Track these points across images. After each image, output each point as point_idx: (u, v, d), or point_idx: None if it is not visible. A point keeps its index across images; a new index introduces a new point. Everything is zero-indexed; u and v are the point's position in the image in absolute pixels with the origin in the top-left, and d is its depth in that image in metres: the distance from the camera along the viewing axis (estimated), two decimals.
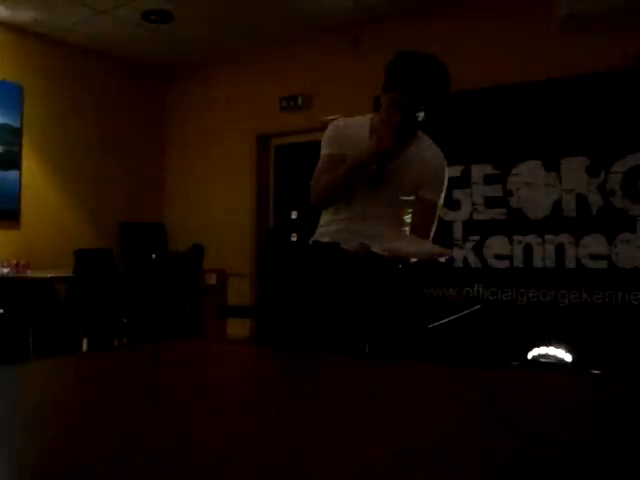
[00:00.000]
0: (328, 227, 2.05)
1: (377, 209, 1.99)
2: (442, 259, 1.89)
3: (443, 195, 2.06)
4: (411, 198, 2.02)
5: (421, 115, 1.95)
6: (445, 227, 4.34)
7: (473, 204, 4.38)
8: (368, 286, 1.97)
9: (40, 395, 0.98)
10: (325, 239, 2.04)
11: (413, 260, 1.99)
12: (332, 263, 2.00)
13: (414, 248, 1.91)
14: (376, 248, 1.81)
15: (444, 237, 4.23)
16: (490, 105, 4.34)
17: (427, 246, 1.96)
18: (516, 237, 4.20)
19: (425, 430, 0.76)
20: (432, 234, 2.05)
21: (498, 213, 4.28)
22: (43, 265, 4.80)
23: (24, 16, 4.80)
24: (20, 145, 5.05)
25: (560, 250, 4.04)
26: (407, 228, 2.06)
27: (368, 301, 1.97)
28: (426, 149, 2.06)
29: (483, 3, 4.47)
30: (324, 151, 2.05)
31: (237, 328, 5.35)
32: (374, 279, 1.97)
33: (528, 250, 4.15)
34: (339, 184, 1.97)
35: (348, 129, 2.05)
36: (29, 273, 4.56)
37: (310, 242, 2.11)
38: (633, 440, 0.72)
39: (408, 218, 2.04)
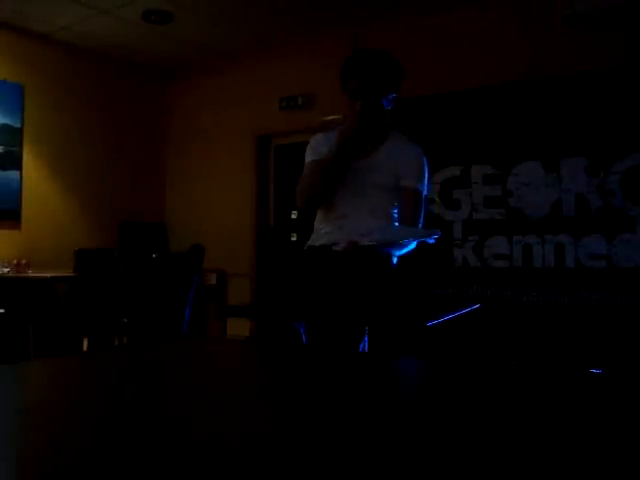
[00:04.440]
0: (321, 230, 2.13)
1: (362, 204, 2.05)
2: (431, 241, 1.93)
3: (425, 183, 2.11)
4: (393, 189, 2.07)
5: (385, 99, 2.05)
6: (445, 227, 4.34)
7: (473, 204, 4.38)
8: (361, 283, 2.00)
9: (40, 395, 0.99)
10: (319, 242, 2.09)
11: (405, 251, 2.04)
12: (325, 265, 2.04)
13: (402, 233, 1.98)
14: (364, 241, 1.88)
15: (444, 237, 4.23)
16: (490, 105, 4.34)
17: (413, 231, 2.02)
18: (516, 237, 4.20)
19: (424, 430, 0.76)
20: (420, 222, 2.09)
21: (498, 213, 4.28)
22: (44, 265, 4.81)
23: (24, 16, 4.80)
24: (20, 145, 5.06)
25: (560, 250, 4.04)
26: (396, 223, 2.11)
27: (363, 298, 2.00)
28: (402, 143, 2.14)
29: (483, 2, 4.47)
30: (307, 160, 2.15)
31: (237, 328, 5.35)
32: (367, 275, 2.00)
33: (527, 250, 4.15)
34: (318, 180, 2.05)
35: (327, 138, 2.14)
36: (30, 273, 4.57)
37: (305, 247, 2.15)
38: (633, 440, 0.72)
39: (395, 212, 2.10)
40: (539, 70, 4.15)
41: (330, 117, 4.69)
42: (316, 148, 2.12)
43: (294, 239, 5.47)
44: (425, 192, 2.11)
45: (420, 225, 2.08)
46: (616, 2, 3.88)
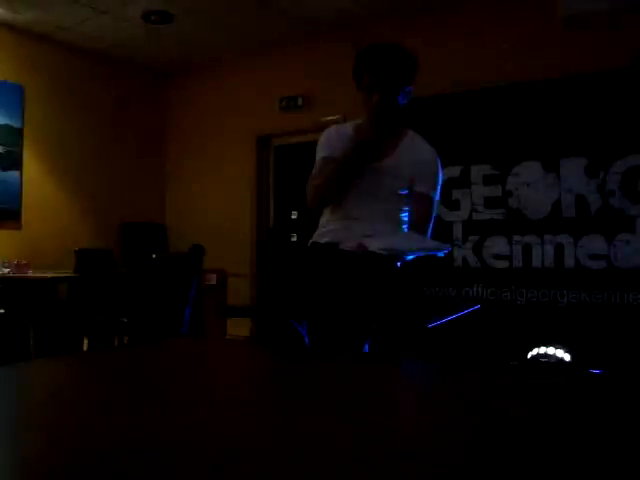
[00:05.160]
0: (326, 228, 2.07)
1: (373, 207, 2.01)
2: (440, 254, 1.91)
3: (438, 190, 2.08)
4: (406, 193, 2.04)
5: (401, 96, 2.00)
6: (445, 227, 4.34)
7: (472, 204, 4.38)
8: (367, 285, 1.98)
9: (40, 395, 0.99)
10: (324, 240, 2.06)
11: (411, 257, 2.01)
12: (330, 264, 2.01)
13: (412, 244, 1.94)
14: (374, 247, 1.84)
15: (444, 237, 4.23)
16: (489, 105, 4.35)
17: (424, 242, 1.99)
18: (515, 237, 4.21)
19: (425, 430, 0.76)
20: (430, 229, 2.06)
21: (497, 213, 4.29)
22: (44, 265, 4.80)
23: (24, 16, 4.80)
24: (21, 145, 5.06)
25: (559, 250, 4.04)
26: (405, 226, 2.08)
27: (367, 301, 1.99)
28: (418, 146, 2.10)
29: (483, 3, 4.48)
30: (318, 156, 2.11)
31: (237, 328, 5.35)
32: (372, 278, 1.98)
33: (527, 250, 4.15)
34: (331, 182, 2.01)
35: (339, 134, 2.10)
36: (30, 273, 4.56)
37: (309, 244, 2.13)
38: (633, 440, 0.73)
39: (405, 216, 2.06)
40: (539, 71, 4.15)
41: (329, 117, 4.69)
42: (328, 143, 2.08)
43: (294, 239, 5.47)
44: (437, 198, 2.08)
45: (429, 231, 2.06)
46: (616, 3, 3.88)
